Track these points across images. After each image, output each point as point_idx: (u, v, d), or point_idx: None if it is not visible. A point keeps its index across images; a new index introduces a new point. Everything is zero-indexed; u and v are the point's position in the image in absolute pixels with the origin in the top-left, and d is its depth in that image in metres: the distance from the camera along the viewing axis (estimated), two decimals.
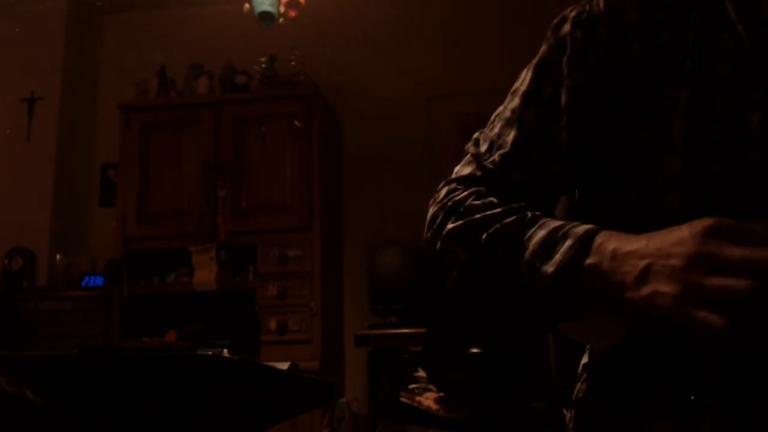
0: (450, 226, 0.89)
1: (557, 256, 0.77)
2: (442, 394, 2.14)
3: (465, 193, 0.92)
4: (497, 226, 0.84)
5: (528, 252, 0.80)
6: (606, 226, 0.78)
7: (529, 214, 0.84)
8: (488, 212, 0.87)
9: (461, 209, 0.90)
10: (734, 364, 0.72)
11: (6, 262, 4.22)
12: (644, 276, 0.70)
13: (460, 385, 2.06)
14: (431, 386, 2.21)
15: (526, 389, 1.96)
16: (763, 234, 0.66)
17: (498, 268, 0.83)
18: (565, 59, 0.89)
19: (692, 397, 0.72)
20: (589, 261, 0.75)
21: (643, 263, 0.71)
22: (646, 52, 0.83)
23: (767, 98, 0.77)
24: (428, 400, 2.17)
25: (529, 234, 0.81)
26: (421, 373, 2.30)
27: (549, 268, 0.77)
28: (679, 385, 0.74)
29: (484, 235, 0.85)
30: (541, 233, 0.80)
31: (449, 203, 0.92)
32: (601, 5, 0.88)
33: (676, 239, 0.69)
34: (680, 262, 0.67)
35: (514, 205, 0.87)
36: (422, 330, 3.09)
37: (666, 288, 0.68)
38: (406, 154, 4.43)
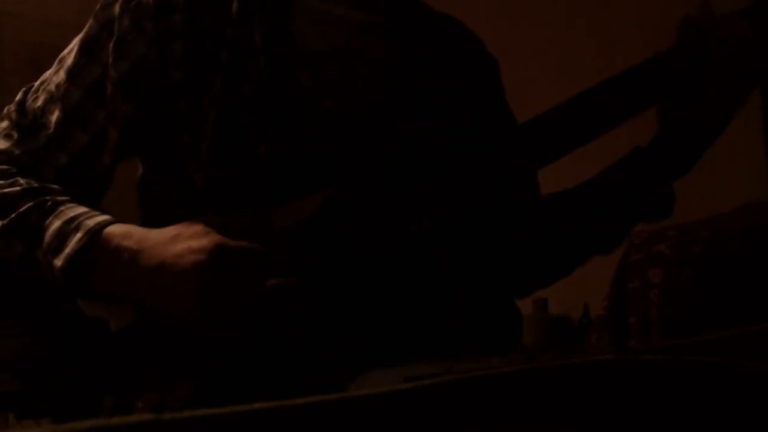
0: None
1: (67, 249, 0.77)
2: None
3: None
4: (14, 215, 0.80)
5: (44, 244, 0.79)
6: (152, 219, 0.83)
7: (49, 201, 0.80)
8: (6, 190, 0.81)
9: None
10: (208, 346, 0.78)
11: None
12: (157, 275, 0.74)
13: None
14: None
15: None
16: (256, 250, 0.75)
17: (20, 260, 0.80)
18: (111, 45, 0.86)
19: (173, 370, 0.78)
20: (98, 254, 0.77)
21: (153, 263, 0.75)
22: (187, 57, 0.85)
23: (277, 131, 0.83)
24: None
25: (45, 224, 0.79)
26: None
27: (59, 261, 0.77)
28: (163, 360, 0.79)
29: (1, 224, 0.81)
30: (56, 224, 0.79)
31: None
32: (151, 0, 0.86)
33: (182, 244, 0.74)
34: (200, 257, 0.72)
35: (35, 186, 0.82)
36: None
37: (183, 288, 0.73)
38: None
